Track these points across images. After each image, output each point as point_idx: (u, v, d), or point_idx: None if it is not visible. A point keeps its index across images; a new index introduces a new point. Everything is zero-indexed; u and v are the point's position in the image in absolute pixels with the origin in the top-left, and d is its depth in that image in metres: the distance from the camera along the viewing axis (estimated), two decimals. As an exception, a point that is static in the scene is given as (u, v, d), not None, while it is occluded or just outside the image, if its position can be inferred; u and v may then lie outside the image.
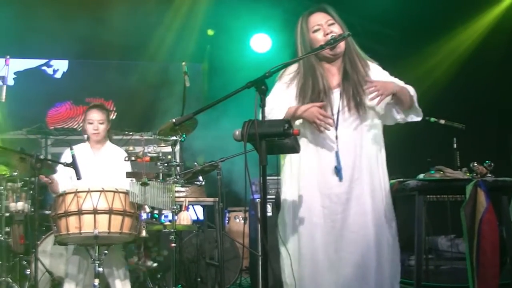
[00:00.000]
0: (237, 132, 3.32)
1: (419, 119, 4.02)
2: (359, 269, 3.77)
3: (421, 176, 5.37)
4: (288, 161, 4.00)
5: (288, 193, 3.94)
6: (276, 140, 3.31)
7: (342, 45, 3.89)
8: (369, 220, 3.82)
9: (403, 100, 3.88)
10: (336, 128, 3.86)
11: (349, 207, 3.81)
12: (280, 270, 3.92)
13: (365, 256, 3.78)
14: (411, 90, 3.94)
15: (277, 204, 3.73)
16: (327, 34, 3.86)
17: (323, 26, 3.92)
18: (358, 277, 3.77)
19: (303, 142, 3.86)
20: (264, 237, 3.29)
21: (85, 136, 5.79)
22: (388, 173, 4.00)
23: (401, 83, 3.97)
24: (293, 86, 3.99)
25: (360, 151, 3.87)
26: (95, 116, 5.81)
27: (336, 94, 3.91)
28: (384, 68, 4.09)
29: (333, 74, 3.97)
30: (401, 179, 5.16)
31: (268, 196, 3.70)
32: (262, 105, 3.33)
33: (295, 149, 3.48)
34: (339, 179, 3.82)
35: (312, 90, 3.90)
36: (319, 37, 3.90)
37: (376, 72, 3.99)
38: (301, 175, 3.93)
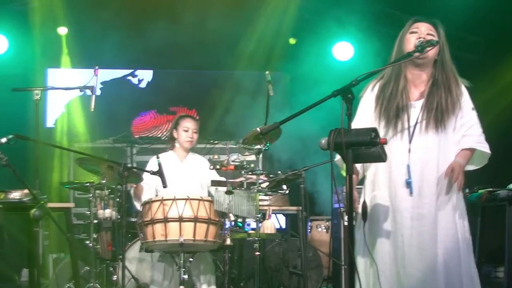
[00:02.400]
0: (323, 141, 3.30)
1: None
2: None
3: (512, 186, 5.24)
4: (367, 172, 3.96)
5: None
6: (363, 149, 3.28)
7: (431, 53, 3.80)
8: (437, 240, 3.73)
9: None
10: (410, 141, 3.80)
11: (420, 224, 3.74)
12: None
13: (432, 276, 3.69)
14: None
15: (364, 214, 3.68)
16: (420, 37, 3.79)
17: (421, 30, 3.85)
18: None
19: None
20: (351, 246, 3.26)
21: (170, 146, 5.93)
22: (476, 183, 3.92)
23: (476, 128, 3.92)
24: (376, 87, 3.95)
25: (436, 168, 3.79)
26: (190, 125, 5.94)
27: (417, 106, 3.84)
28: (471, 76, 4.00)
29: (418, 83, 3.89)
30: (491, 189, 5.05)
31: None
32: (349, 114, 3.30)
33: (381, 158, 3.44)
34: (409, 192, 3.75)
35: (388, 100, 3.85)
36: (412, 39, 3.83)
37: (464, 101, 3.90)
38: (376, 186, 3.89)
